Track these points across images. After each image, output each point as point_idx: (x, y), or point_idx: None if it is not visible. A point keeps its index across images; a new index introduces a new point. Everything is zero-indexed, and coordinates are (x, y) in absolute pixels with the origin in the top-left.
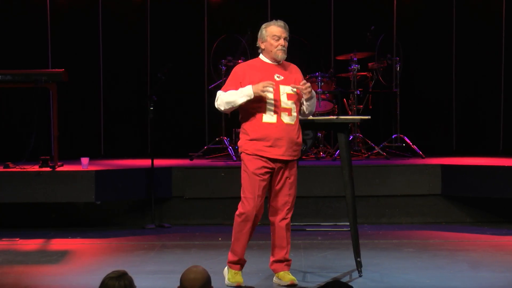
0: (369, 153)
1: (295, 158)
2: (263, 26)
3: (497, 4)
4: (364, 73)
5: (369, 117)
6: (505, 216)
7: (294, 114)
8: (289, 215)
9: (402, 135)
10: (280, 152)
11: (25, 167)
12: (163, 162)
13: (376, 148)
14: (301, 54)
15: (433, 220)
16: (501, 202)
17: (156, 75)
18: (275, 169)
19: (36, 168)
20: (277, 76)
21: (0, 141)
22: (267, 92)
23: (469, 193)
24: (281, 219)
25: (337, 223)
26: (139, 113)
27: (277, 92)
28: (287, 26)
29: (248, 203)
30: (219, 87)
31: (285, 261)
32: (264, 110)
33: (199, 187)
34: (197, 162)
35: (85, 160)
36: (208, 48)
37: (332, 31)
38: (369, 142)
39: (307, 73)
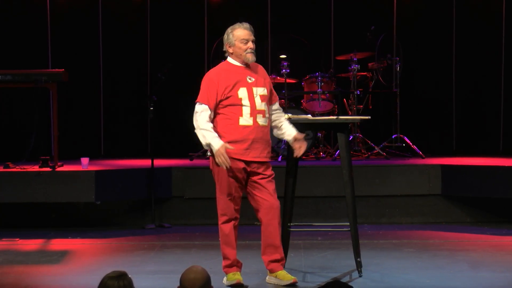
0: (369, 153)
1: (269, 159)
2: (229, 30)
3: (497, 4)
4: (364, 73)
5: (369, 117)
6: (505, 216)
7: (267, 115)
8: (278, 213)
9: (402, 135)
10: (256, 154)
11: (25, 167)
12: (163, 162)
13: (376, 148)
14: (301, 54)
15: (433, 220)
16: (501, 202)
17: (156, 75)
18: (250, 171)
19: (36, 168)
20: (249, 78)
21: (0, 141)
22: (224, 164)
23: (469, 193)
24: (272, 218)
25: (337, 223)
26: (139, 113)
27: (251, 95)
28: (252, 28)
29: (227, 205)
30: None
31: (282, 260)
32: (240, 113)
33: (199, 187)
34: (197, 162)
35: (85, 160)
36: (208, 48)
37: (332, 31)
38: (369, 142)
39: (307, 73)
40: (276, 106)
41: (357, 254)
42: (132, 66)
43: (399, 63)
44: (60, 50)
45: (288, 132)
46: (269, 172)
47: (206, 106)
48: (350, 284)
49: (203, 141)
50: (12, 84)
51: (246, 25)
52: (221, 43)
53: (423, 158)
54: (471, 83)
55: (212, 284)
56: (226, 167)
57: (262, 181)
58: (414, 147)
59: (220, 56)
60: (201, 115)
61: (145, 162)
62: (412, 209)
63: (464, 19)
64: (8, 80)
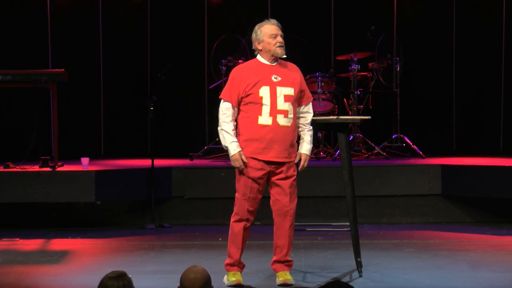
0: (369, 153)
1: (291, 160)
2: (257, 27)
3: (497, 4)
4: (364, 73)
5: (369, 117)
6: (505, 216)
7: (291, 116)
8: (290, 216)
9: (402, 135)
10: (274, 154)
11: (25, 167)
12: (163, 162)
13: (376, 148)
14: (301, 54)
15: (433, 220)
16: (501, 202)
17: (156, 75)
18: (270, 171)
19: (36, 168)
20: (274, 77)
21: (0, 141)
22: (238, 167)
23: (469, 193)
24: (282, 220)
25: (337, 223)
26: (139, 113)
27: (273, 94)
28: (279, 24)
29: (241, 204)
30: (219, 87)
31: (285, 261)
32: (260, 112)
33: (199, 187)
34: (197, 162)
35: (85, 160)
36: (208, 48)
37: (332, 31)
38: (369, 142)
39: (307, 73)
40: (305, 108)
41: (357, 254)
42: (132, 66)
43: (399, 63)
44: (60, 50)
45: (301, 147)
46: (290, 173)
47: (230, 104)
48: (350, 284)
49: (223, 142)
50: (12, 84)
51: (274, 21)
52: (221, 43)
53: (423, 158)
54: (471, 83)
55: (212, 284)
56: (242, 170)
57: (280, 182)
58: (414, 147)
59: (220, 56)
60: (224, 113)
61: (145, 162)
62: (412, 209)
63: (464, 19)
64: (8, 80)
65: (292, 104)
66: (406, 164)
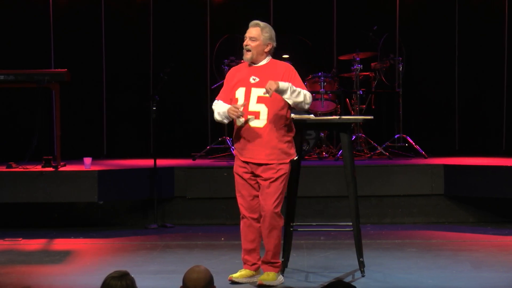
0: (372, 153)
1: (270, 162)
2: None
3: (500, 4)
4: (367, 73)
5: (372, 117)
6: (508, 216)
7: (264, 117)
8: (267, 218)
9: (404, 135)
10: (249, 155)
11: (27, 167)
12: (166, 162)
13: (378, 148)
14: (303, 54)
15: (435, 220)
16: (504, 202)
17: (158, 75)
18: (252, 172)
19: (38, 168)
20: (252, 79)
21: (3, 141)
22: (235, 115)
23: (471, 193)
24: (262, 222)
25: (340, 223)
26: (142, 113)
27: (247, 96)
28: (255, 23)
29: (238, 201)
30: (221, 87)
31: (268, 263)
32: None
33: (202, 187)
34: (199, 162)
35: (87, 160)
36: (210, 48)
37: (334, 31)
38: (372, 142)
39: (310, 73)
40: None
41: (359, 254)
42: (135, 66)
43: (402, 63)
44: (63, 50)
45: None
46: (268, 175)
47: (221, 101)
48: (353, 284)
49: (222, 115)
50: (15, 84)
51: (251, 22)
52: (223, 43)
53: (425, 158)
54: (474, 83)
55: (215, 284)
56: (240, 115)
57: (261, 183)
58: (417, 147)
59: (222, 56)
60: (217, 103)
61: (148, 162)
62: (414, 209)
63: (467, 18)
64: (11, 80)
65: (268, 105)
66: (408, 164)
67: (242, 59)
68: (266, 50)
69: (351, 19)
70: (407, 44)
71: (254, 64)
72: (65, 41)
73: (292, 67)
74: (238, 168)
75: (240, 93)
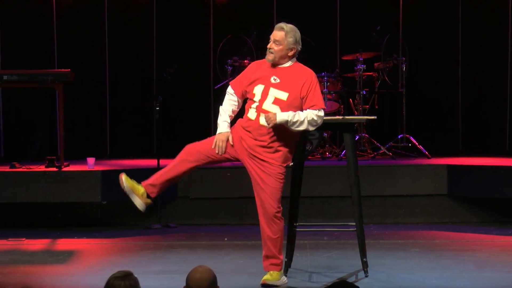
0: (375, 153)
1: (256, 157)
2: None
3: (503, 4)
4: (370, 73)
5: (375, 117)
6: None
7: None
8: (262, 213)
9: (408, 135)
10: (246, 143)
11: (31, 167)
12: (169, 162)
13: (382, 148)
14: (307, 54)
15: (439, 220)
16: (508, 202)
17: (161, 75)
18: (239, 159)
19: (42, 168)
20: (273, 79)
21: (6, 141)
22: (216, 149)
23: (475, 193)
24: (260, 216)
25: (343, 223)
26: (145, 113)
27: (264, 94)
28: (282, 25)
29: (197, 146)
30: (224, 87)
31: (267, 259)
32: (250, 106)
33: (205, 187)
34: None
35: (91, 160)
36: (214, 48)
37: (338, 31)
38: (375, 142)
39: None
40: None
41: (363, 254)
42: (138, 66)
43: (405, 63)
44: (66, 50)
45: None
46: (259, 171)
47: (232, 91)
48: (356, 284)
49: (218, 119)
50: (18, 84)
51: (278, 24)
52: (227, 43)
53: (429, 158)
54: (477, 83)
55: (218, 284)
56: (217, 152)
57: (252, 178)
58: (420, 147)
59: (226, 56)
60: (227, 97)
61: (151, 162)
62: (418, 209)
63: (470, 18)
64: (14, 80)
65: (283, 109)
66: (411, 164)
67: (245, 59)
68: (289, 54)
69: (354, 19)
70: (410, 44)
71: (278, 64)
72: (68, 41)
73: (314, 77)
74: (240, 130)
75: (258, 90)
